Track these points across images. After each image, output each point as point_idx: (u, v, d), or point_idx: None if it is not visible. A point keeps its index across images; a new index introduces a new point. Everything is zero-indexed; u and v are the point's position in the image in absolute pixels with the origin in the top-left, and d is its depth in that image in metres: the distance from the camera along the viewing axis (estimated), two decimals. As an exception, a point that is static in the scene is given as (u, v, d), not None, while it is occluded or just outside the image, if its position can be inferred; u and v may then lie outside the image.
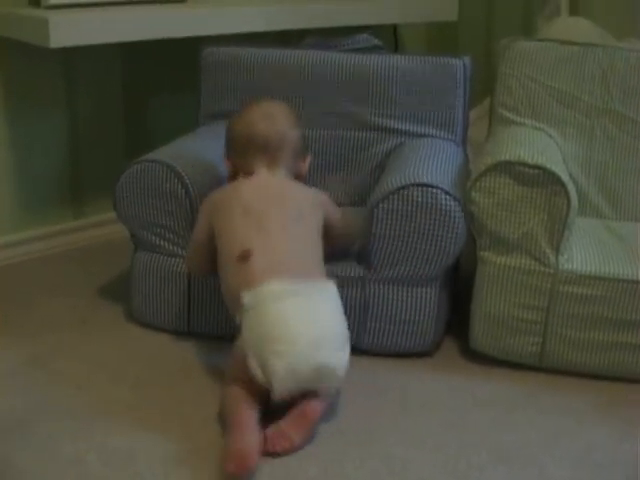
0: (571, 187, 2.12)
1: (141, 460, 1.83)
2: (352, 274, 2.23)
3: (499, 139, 2.39)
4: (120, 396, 2.09)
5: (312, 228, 2.13)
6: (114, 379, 2.16)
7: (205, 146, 2.50)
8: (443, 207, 2.13)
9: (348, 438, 1.94)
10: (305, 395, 1.94)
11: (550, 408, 2.09)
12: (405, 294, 2.23)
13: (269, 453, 1.84)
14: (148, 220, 2.31)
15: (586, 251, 2.22)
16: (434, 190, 2.13)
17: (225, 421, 1.93)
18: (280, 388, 1.90)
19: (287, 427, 1.88)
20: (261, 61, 2.67)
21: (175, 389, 2.12)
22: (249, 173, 2.20)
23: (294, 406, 1.92)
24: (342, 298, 2.19)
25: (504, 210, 2.12)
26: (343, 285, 2.20)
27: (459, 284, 2.48)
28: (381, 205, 2.16)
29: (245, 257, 2.01)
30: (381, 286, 2.23)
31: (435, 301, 2.24)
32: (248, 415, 1.89)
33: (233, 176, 2.27)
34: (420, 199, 2.13)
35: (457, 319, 2.39)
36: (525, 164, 2.10)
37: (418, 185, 2.14)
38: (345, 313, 2.20)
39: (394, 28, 3.73)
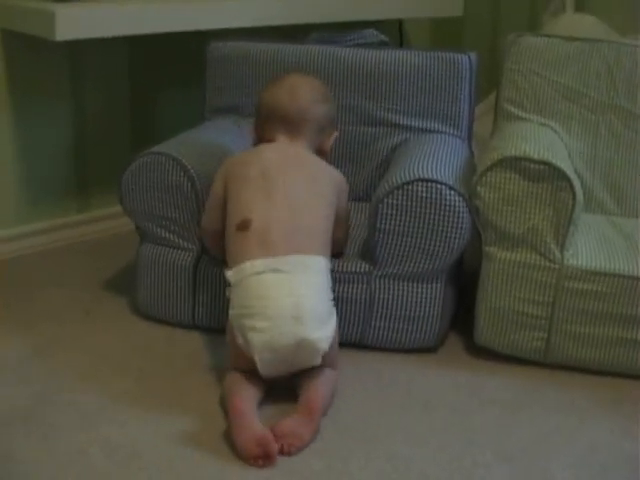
0: (577, 182, 2.12)
1: (145, 453, 1.83)
2: (357, 270, 2.23)
3: (505, 134, 2.39)
4: (124, 388, 2.09)
5: (324, 197, 2.14)
6: (118, 371, 2.17)
7: (211, 139, 2.50)
8: (448, 202, 2.13)
9: (352, 435, 1.93)
10: (302, 382, 1.97)
11: (554, 405, 2.08)
12: (410, 290, 2.23)
13: (281, 453, 1.82)
14: (154, 213, 2.31)
15: (591, 247, 2.22)
16: (439, 186, 2.13)
17: (226, 409, 1.94)
18: (262, 364, 1.94)
19: (295, 425, 1.87)
20: (267, 56, 2.68)
21: (179, 382, 2.12)
22: (271, 139, 2.24)
23: (296, 394, 1.95)
24: (347, 294, 2.21)
25: (509, 205, 2.12)
26: (348, 281, 2.20)
27: (464, 279, 2.48)
28: (386, 200, 2.15)
29: (245, 226, 2.04)
30: (386, 282, 2.23)
31: (440, 297, 2.24)
32: (246, 401, 1.92)
33: (256, 143, 2.29)
34: (425, 194, 2.13)
35: (462, 314, 2.39)
36: (531, 159, 2.10)
37: (423, 180, 2.14)
38: (350, 309, 2.22)
39: (399, 23, 3.73)
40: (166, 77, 3.18)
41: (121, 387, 2.10)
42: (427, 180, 2.13)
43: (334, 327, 2.00)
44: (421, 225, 2.15)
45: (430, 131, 2.60)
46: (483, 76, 2.79)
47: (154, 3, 2.70)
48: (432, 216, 2.14)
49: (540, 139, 2.31)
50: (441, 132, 2.60)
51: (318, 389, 1.96)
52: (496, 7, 3.80)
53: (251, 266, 1.98)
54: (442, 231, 2.15)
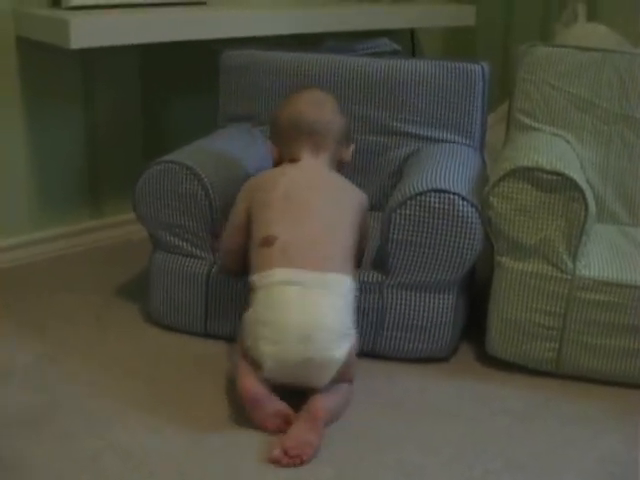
0: (589, 193, 2.12)
1: (156, 459, 1.84)
2: (369, 279, 2.24)
3: (517, 145, 2.39)
4: (135, 394, 2.10)
5: (348, 218, 2.15)
6: (129, 377, 2.17)
7: (224, 148, 2.51)
8: (460, 213, 2.13)
9: (363, 443, 1.94)
10: (308, 392, 1.97)
11: (566, 415, 2.08)
12: (422, 299, 2.23)
13: (295, 464, 1.83)
14: (167, 221, 2.32)
15: (603, 257, 2.22)
16: (451, 196, 2.13)
17: (241, 397, 1.97)
18: (268, 370, 1.95)
19: (301, 432, 1.88)
20: (280, 64, 2.69)
21: (190, 389, 2.12)
22: (294, 160, 2.24)
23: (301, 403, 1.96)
24: (359, 303, 2.21)
25: (522, 215, 2.12)
26: (361, 291, 2.21)
27: (476, 288, 2.48)
28: (398, 211, 2.16)
29: (269, 242, 2.05)
30: (398, 292, 2.23)
31: (452, 307, 2.24)
32: (261, 388, 1.95)
33: (278, 162, 2.30)
34: (437, 205, 2.13)
35: (473, 323, 2.39)
36: (543, 170, 2.10)
37: (435, 191, 2.14)
38: (362, 318, 2.22)
39: (411, 32, 3.73)
40: (178, 84, 3.19)
41: (132, 393, 2.10)
42: (440, 190, 2.14)
43: (347, 350, 1.98)
44: (433, 235, 2.15)
45: (443, 141, 2.60)
46: (495, 86, 2.80)
47: (167, 12, 2.72)
48: (444, 227, 2.14)
49: (552, 149, 2.31)
50: (454, 142, 2.60)
51: (324, 398, 1.96)
52: (508, 17, 3.80)
53: (273, 274, 1.99)
54: (454, 242, 2.15)
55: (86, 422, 1.97)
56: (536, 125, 2.59)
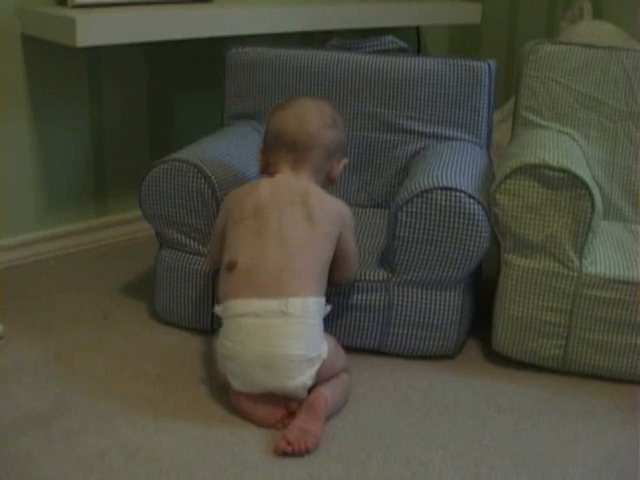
0: (595, 190, 2.12)
1: (163, 457, 1.85)
2: (376, 277, 2.24)
3: (523, 142, 2.39)
4: (142, 392, 2.10)
5: (320, 236, 2.07)
6: (136, 375, 2.18)
7: (231, 146, 2.51)
8: (467, 211, 2.13)
9: (371, 440, 1.94)
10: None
11: (572, 412, 2.09)
12: (428, 297, 2.23)
13: (300, 453, 1.86)
14: (174, 219, 2.33)
15: (609, 254, 2.22)
16: (458, 194, 2.13)
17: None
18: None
19: (304, 424, 1.90)
20: (286, 62, 2.68)
21: (197, 386, 2.13)
22: (273, 172, 2.18)
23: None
24: (366, 301, 2.22)
25: (528, 213, 2.12)
26: (367, 288, 2.21)
27: (482, 285, 2.48)
28: (405, 208, 2.16)
29: (230, 268, 2.04)
30: (404, 289, 2.23)
31: (458, 304, 2.24)
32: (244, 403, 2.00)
33: (264, 168, 2.23)
34: (444, 203, 2.13)
35: (480, 320, 2.39)
36: (550, 167, 2.10)
37: (442, 189, 2.14)
38: (369, 315, 2.23)
39: (417, 30, 3.74)
40: (184, 82, 3.19)
41: (139, 391, 2.11)
42: (446, 188, 2.13)
43: (313, 374, 1.97)
44: (440, 233, 2.15)
45: (449, 138, 2.60)
46: (501, 83, 2.80)
47: (173, 10, 2.72)
48: (451, 224, 2.14)
49: (559, 147, 2.31)
50: (460, 139, 2.60)
51: (323, 389, 1.98)
52: (514, 14, 3.80)
53: (234, 306, 1.99)
54: (461, 239, 2.15)
55: (93, 420, 1.98)
56: (542, 122, 2.59)
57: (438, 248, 2.17)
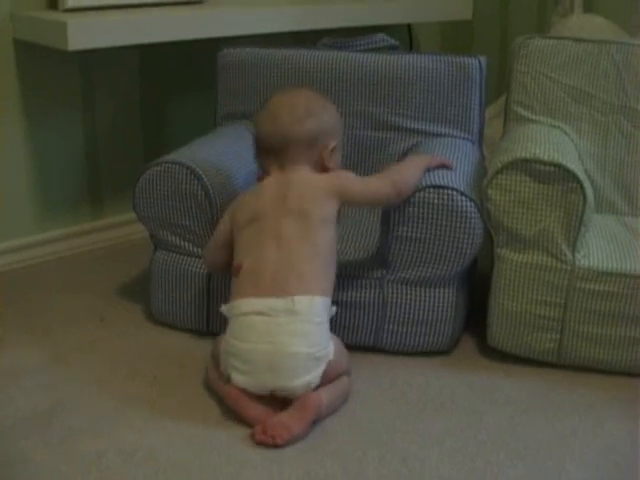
0: (587, 184, 2.12)
1: (161, 457, 1.85)
2: (370, 275, 2.24)
3: (515, 137, 2.39)
4: (139, 393, 2.11)
5: (315, 226, 2.07)
6: (133, 377, 2.18)
7: (223, 147, 2.51)
8: (460, 209, 2.13)
9: (367, 436, 1.95)
10: None
11: (568, 406, 2.09)
12: (423, 294, 2.24)
13: (269, 443, 1.87)
14: (167, 221, 2.33)
15: (602, 247, 2.22)
16: (450, 192, 2.14)
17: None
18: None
19: (287, 418, 1.91)
20: (278, 61, 2.69)
21: (194, 387, 2.13)
22: (264, 175, 2.20)
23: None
24: (360, 298, 2.22)
25: (520, 207, 2.13)
26: (361, 286, 2.22)
27: (476, 280, 2.49)
28: (398, 207, 2.16)
29: (236, 272, 2.06)
30: (399, 286, 2.24)
31: (453, 300, 2.25)
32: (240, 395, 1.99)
33: (262, 175, 2.24)
34: (437, 201, 2.14)
35: (474, 315, 2.40)
36: (541, 161, 2.10)
37: (434, 187, 2.14)
38: (363, 313, 2.23)
39: (408, 27, 3.74)
40: (177, 83, 3.20)
41: (136, 392, 2.11)
42: (439, 187, 2.14)
43: (320, 373, 1.97)
44: (433, 231, 2.16)
45: (441, 135, 2.60)
46: (492, 79, 2.80)
47: (165, 12, 2.72)
48: (444, 222, 2.14)
49: (550, 141, 2.31)
50: (452, 136, 2.60)
51: (320, 392, 1.97)
52: (505, 10, 3.81)
53: (239, 305, 2.01)
54: (454, 237, 2.16)
55: (91, 421, 1.98)
56: (534, 117, 2.60)
57: (431, 246, 2.17)
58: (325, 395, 1.97)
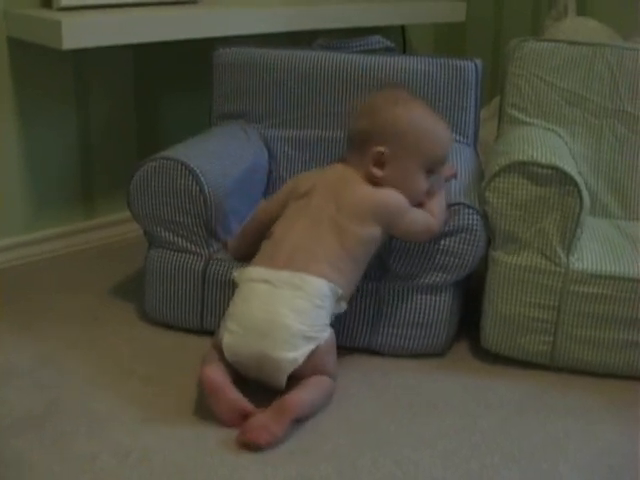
0: (583, 187, 2.13)
1: (155, 458, 1.84)
2: (368, 278, 2.22)
3: (510, 139, 2.40)
4: (133, 393, 2.10)
5: (350, 225, 2.08)
6: (127, 376, 2.17)
7: (219, 145, 2.51)
8: (465, 221, 2.15)
9: (361, 439, 1.94)
10: (289, 386, 1.99)
11: (562, 408, 2.09)
12: (419, 298, 2.24)
13: (251, 445, 1.86)
14: (162, 217, 2.32)
15: (596, 250, 2.23)
16: (457, 207, 2.16)
17: (201, 383, 2.00)
18: (228, 358, 2.01)
19: (267, 419, 1.90)
20: (272, 62, 2.68)
21: (188, 386, 2.12)
22: (342, 160, 2.27)
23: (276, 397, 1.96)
24: (356, 301, 2.21)
25: (517, 210, 2.13)
26: (357, 289, 2.21)
27: (471, 282, 2.49)
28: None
29: (268, 236, 2.15)
30: (395, 291, 2.24)
31: (449, 304, 2.25)
32: (218, 372, 1.99)
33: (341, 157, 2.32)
34: None
35: (468, 318, 2.40)
36: (538, 164, 2.11)
37: None
38: (358, 315, 2.23)
39: (402, 29, 3.74)
40: (171, 83, 3.19)
41: (130, 392, 2.11)
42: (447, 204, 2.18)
43: (306, 353, 1.97)
44: (435, 244, 2.17)
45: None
46: (486, 81, 2.80)
47: (159, 11, 2.72)
48: (448, 234, 2.16)
49: (546, 144, 2.32)
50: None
51: (299, 392, 1.96)
52: (499, 12, 3.81)
53: (249, 272, 2.06)
54: (457, 249, 2.17)
55: (85, 421, 1.97)
56: (528, 120, 2.60)
57: (434, 256, 2.18)
58: (305, 395, 1.97)
